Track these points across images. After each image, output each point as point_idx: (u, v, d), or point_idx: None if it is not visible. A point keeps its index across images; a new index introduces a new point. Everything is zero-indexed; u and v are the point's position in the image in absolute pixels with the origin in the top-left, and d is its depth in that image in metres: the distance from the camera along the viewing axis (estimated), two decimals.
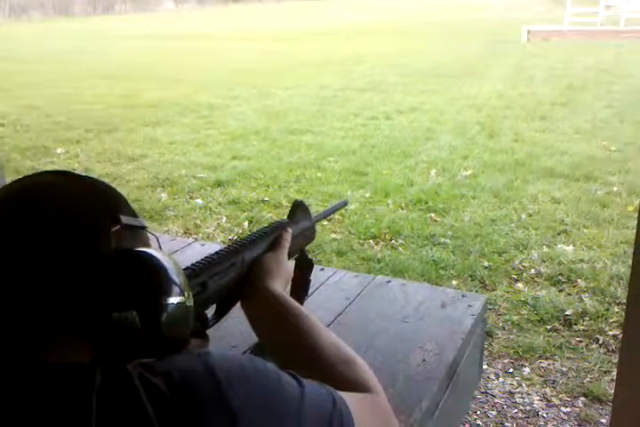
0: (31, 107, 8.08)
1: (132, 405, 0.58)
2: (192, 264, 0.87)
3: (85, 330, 0.62)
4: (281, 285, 0.96)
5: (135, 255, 0.64)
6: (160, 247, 0.70)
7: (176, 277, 0.65)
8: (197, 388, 0.61)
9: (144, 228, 0.70)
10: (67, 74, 11.07)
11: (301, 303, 1.06)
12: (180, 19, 26.65)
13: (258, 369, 0.67)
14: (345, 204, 1.35)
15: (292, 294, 1.06)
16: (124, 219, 0.66)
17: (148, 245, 0.70)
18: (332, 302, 1.55)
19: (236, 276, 0.93)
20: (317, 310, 1.47)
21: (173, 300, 0.64)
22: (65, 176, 0.70)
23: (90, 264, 0.62)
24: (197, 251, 1.83)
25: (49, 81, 10.31)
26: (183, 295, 0.65)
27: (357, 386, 0.80)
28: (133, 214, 0.70)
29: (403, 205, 4.24)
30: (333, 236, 3.72)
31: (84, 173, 0.74)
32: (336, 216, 3.97)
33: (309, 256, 1.13)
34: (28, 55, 13.93)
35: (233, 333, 1.22)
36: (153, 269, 0.64)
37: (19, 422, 0.57)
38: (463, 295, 1.55)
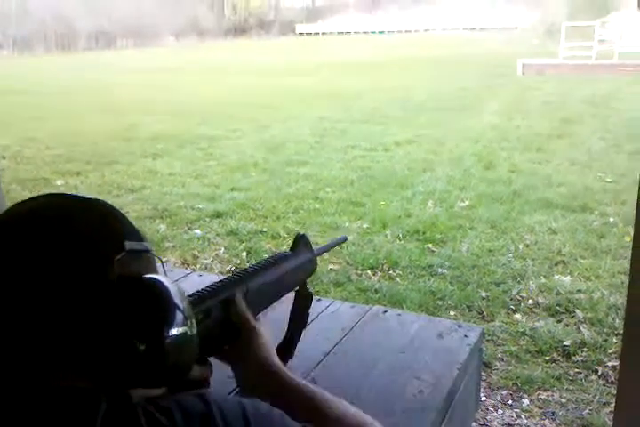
0: (32, 139, 8.16)
1: None
2: (197, 291, 0.87)
3: (91, 358, 0.62)
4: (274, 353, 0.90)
5: (139, 283, 0.63)
6: (165, 272, 0.69)
7: (180, 304, 0.64)
8: (195, 426, 0.61)
9: (148, 251, 0.69)
10: (68, 107, 11.22)
11: (299, 336, 1.06)
12: (180, 53, 27.09)
13: (260, 413, 0.66)
14: (345, 239, 1.36)
15: (291, 326, 1.06)
16: (129, 244, 0.65)
17: (153, 270, 0.68)
18: (329, 332, 1.55)
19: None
20: (314, 340, 1.48)
21: (177, 330, 0.63)
22: (74, 199, 0.69)
23: (94, 292, 0.61)
24: (195, 281, 1.84)
25: (50, 114, 10.44)
26: (186, 324, 0.64)
27: None
28: (138, 237, 0.68)
29: (400, 235, 4.25)
30: (331, 266, 3.72)
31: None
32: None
33: (309, 289, 1.14)
34: (30, 88, 14.12)
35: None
36: (157, 297, 0.63)
37: None
38: (459, 326, 1.56)
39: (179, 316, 0.63)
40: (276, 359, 0.88)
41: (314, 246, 1.17)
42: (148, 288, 0.63)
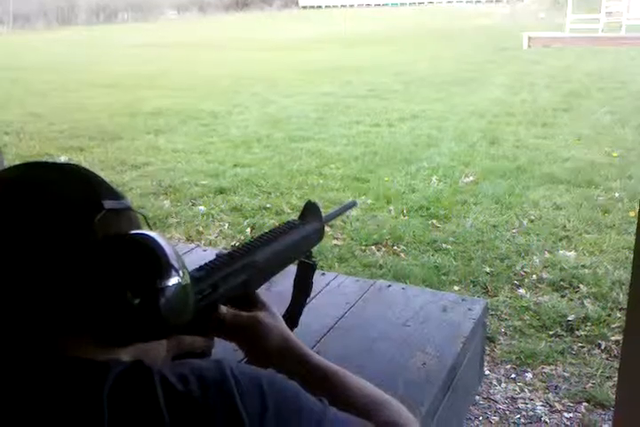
0: (35, 115, 8.12)
1: (147, 400, 0.58)
2: (204, 264, 0.86)
3: (88, 319, 0.62)
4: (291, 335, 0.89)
5: (124, 239, 0.63)
6: (149, 225, 0.68)
7: (169, 255, 0.64)
8: (210, 394, 0.61)
9: (129, 209, 0.68)
10: (70, 83, 11.14)
11: (303, 305, 1.06)
12: (182, 27, 26.79)
13: (276, 386, 0.66)
14: (354, 204, 1.34)
15: (295, 295, 1.06)
16: (107, 204, 0.65)
17: (137, 226, 0.68)
18: (333, 306, 1.56)
19: (248, 277, 0.92)
20: (319, 314, 1.48)
21: (169, 281, 0.63)
22: (49, 166, 0.69)
23: (80, 253, 0.61)
24: (200, 256, 1.84)
25: (53, 90, 10.37)
26: (179, 275, 0.64)
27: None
28: (117, 196, 0.68)
29: (404, 211, 4.24)
30: (335, 242, 3.72)
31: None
32: (338, 222, 3.98)
33: (313, 258, 1.12)
34: (31, 64, 14.01)
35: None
36: (143, 250, 0.63)
37: (33, 410, 0.57)
38: (463, 299, 1.56)
39: (169, 267, 0.63)
40: (292, 334, 0.88)
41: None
42: (134, 243, 0.63)
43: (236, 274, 0.90)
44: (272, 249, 0.98)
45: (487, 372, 2.46)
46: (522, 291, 3.08)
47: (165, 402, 0.58)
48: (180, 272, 0.65)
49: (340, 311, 1.54)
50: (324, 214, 1.13)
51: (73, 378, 0.59)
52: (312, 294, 1.47)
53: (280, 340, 0.86)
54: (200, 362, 0.65)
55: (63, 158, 5.88)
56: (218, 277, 0.86)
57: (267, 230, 1.03)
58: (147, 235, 0.64)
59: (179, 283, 0.64)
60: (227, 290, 0.87)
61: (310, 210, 1.09)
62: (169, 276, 0.63)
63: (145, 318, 0.62)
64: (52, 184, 0.65)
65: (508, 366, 2.53)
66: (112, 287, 0.61)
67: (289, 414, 0.64)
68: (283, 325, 0.89)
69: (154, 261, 0.63)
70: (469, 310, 1.48)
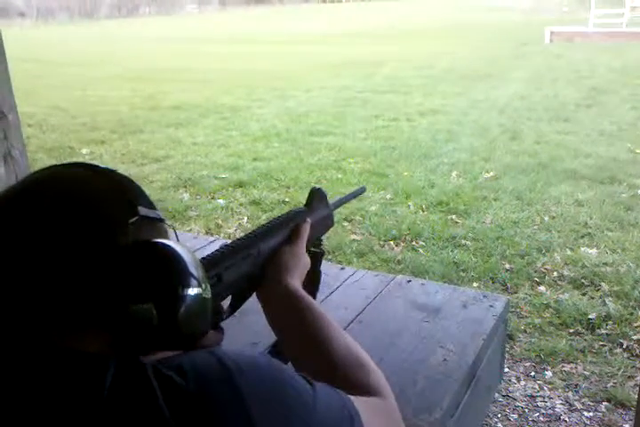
0: (57, 108, 8.20)
1: (145, 394, 0.58)
2: (207, 255, 0.85)
3: (103, 321, 0.62)
4: (297, 279, 0.95)
5: (152, 246, 0.64)
6: (177, 239, 0.69)
7: (194, 268, 0.64)
8: (209, 378, 0.61)
9: (162, 220, 0.70)
10: (92, 76, 11.22)
11: (314, 295, 1.05)
12: (203, 21, 26.83)
13: (270, 363, 0.68)
14: (363, 190, 1.31)
15: (305, 285, 1.05)
16: (142, 210, 0.66)
17: (165, 238, 0.69)
18: (353, 300, 1.55)
19: (252, 267, 0.91)
20: (337, 308, 1.47)
21: (191, 291, 0.63)
22: (87, 168, 0.71)
23: (108, 255, 0.62)
24: None
25: (75, 83, 10.45)
26: (201, 287, 0.65)
27: (369, 390, 0.80)
28: (151, 206, 0.69)
29: (423, 206, 4.22)
30: (354, 237, 3.71)
31: None
32: (356, 217, 3.96)
33: (322, 246, 1.10)
34: (54, 58, 14.13)
35: (254, 329, 1.22)
36: (170, 260, 0.63)
37: (30, 401, 0.58)
38: (484, 296, 1.54)
39: (192, 279, 0.64)
40: (296, 284, 0.93)
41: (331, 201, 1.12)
42: (162, 252, 0.64)
43: (241, 264, 0.89)
44: (277, 238, 0.96)
45: (506, 369, 2.43)
46: (542, 288, 3.05)
47: (163, 394, 0.58)
48: (203, 285, 0.65)
49: (360, 306, 1.53)
50: (332, 200, 1.11)
51: (72, 371, 0.59)
52: (331, 289, 1.46)
53: (277, 277, 0.93)
54: (195, 353, 0.65)
55: (85, 151, 5.93)
56: (222, 267, 0.85)
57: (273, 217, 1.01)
58: (171, 245, 0.65)
59: (199, 294, 0.64)
60: (231, 281, 0.87)
61: (316, 196, 1.07)
62: (190, 285, 0.63)
63: (161, 327, 0.62)
64: (89, 184, 0.67)
65: (528, 364, 2.50)
66: (133, 291, 0.61)
67: (282, 387, 0.65)
68: (290, 264, 0.95)
69: (176, 269, 0.63)
70: (491, 306, 1.46)
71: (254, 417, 0.60)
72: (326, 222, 1.09)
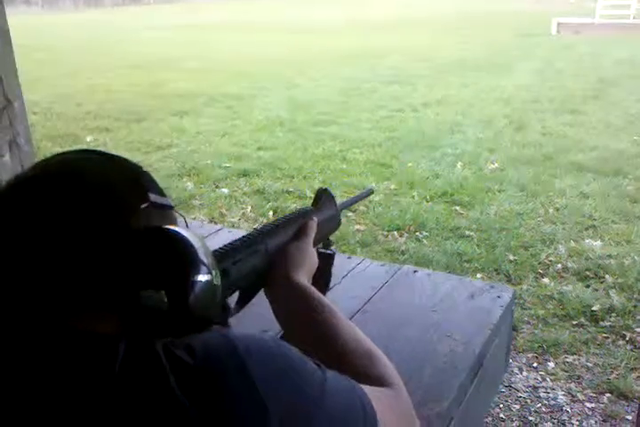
0: (62, 96, 8.18)
1: (155, 370, 0.59)
2: (214, 250, 0.84)
3: (114, 305, 0.62)
4: (305, 275, 0.95)
5: (164, 233, 0.64)
6: (187, 227, 0.69)
7: (204, 255, 0.65)
8: (218, 357, 0.62)
9: (172, 207, 0.70)
10: (97, 64, 11.18)
11: (323, 294, 1.05)
12: (207, 8, 26.70)
13: (279, 344, 0.69)
14: (371, 192, 1.32)
15: (313, 284, 1.05)
16: (153, 197, 0.66)
17: (175, 225, 0.69)
18: (359, 290, 1.55)
19: (260, 263, 0.91)
20: (343, 298, 1.48)
21: (201, 278, 0.63)
22: (98, 154, 0.71)
23: (120, 238, 0.62)
24: (225, 237, 1.83)
25: (80, 71, 10.43)
26: (211, 274, 0.65)
27: (379, 380, 0.80)
28: (162, 194, 0.70)
29: (428, 197, 4.21)
30: (357, 227, 3.71)
31: None
32: (360, 207, 3.96)
33: (333, 247, 1.11)
34: (59, 45, 14.09)
35: (264, 318, 1.22)
36: (181, 246, 0.63)
37: (43, 377, 0.58)
38: (492, 286, 1.54)
39: (203, 265, 0.64)
40: (303, 279, 0.93)
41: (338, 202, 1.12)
42: (173, 238, 0.64)
43: (248, 259, 0.89)
44: (284, 235, 0.97)
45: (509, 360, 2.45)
46: (546, 280, 3.05)
47: (174, 374, 0.59)
48: (213, 272, 0.65)
49: (366, 296, 1.53)
50: (339, 202, 1.12)
51: (84, 349, 0.60)
52: (337, 278, 1.46)
53: (284, 273, 0.93)
54: (203, 333, 0.65)
55: (89, 138, 5.93)
56: (229, 262, 0.85)
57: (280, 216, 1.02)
58: (182, 232, 0.65)
59: (209, 281, 0.65)
60: (238, 277, 0.87)
61: (323, 197, 1.07)
62: (200, 271, 0.64)
63: (172, 313, 0.62)
64: (102, 167, 0.68)
65: (530, 355, 2.51)
66: (143, 277, 0.61)
67: (291, 368, 0.66)
68: (297, 260, 0.95)
69: (187, 255, 0.63)
70: (498, 297, 1.46)
71: (262, 392, 0.61)
72: (333, 223, 1.09)
